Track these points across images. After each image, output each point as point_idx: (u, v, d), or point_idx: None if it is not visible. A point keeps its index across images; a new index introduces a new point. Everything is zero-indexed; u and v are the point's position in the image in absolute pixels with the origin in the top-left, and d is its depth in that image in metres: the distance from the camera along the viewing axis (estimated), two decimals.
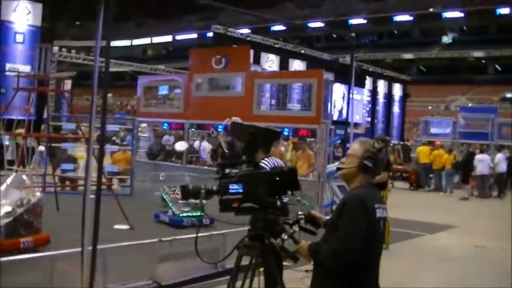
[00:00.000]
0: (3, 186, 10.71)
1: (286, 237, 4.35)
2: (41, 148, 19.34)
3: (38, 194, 10.55)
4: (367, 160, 4.29)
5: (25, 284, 7.82)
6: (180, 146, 16.86)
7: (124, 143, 24.48)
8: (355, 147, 4.42)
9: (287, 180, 4.58)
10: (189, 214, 13.03)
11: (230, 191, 4.39)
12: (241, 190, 4.39)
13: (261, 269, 4.75)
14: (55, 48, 33.90)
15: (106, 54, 7.48)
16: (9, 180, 10.84)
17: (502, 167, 26.11)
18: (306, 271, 8.71)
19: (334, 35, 57.54)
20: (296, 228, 4.47)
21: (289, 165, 5.09)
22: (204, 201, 4.46)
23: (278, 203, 4.60)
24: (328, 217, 4.70)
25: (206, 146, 21.86)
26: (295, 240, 4.39)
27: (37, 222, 10.22)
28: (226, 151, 14.31)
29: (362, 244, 4.11)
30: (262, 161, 7.29)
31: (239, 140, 4.79)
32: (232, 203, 4.42)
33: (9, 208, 9.93)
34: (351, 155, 4.41)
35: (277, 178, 4.51)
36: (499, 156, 26.65)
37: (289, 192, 4.73)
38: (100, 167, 7.64)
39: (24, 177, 11.41)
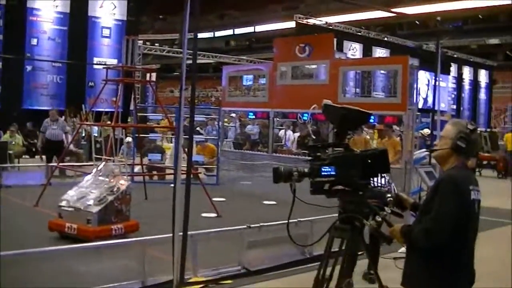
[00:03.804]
0: (93, 175, 11.04)
1: (379, 219, 4.36)
2: (129, 139, 19.78)
3: (126, 182, 10.79)
4: (460, 140, 4.24)
5: (118, 268, 8.03)
6: None
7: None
8: (447, 128, 4.37)
9: (378, 163, 4.56)
10: None
11: (323, 173, 4.37)
12: (333, 173, 4.37)
13: None
14: (140, 42, 34.55)
15: (193, 47, 7.56)
16: (98, 169, 11.20)
17: None
18: (395, 258, 8.70)
19: (417, 22, 56.50)
20: (388, 210, 4.46)
21: (380, 148, 5.06)
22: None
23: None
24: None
25: (290, 134, 21.88)
26: (388, 222, 4.38)
27: (127, 209, 10.51)
28: (314, 137, 14.27)
29: (454, 225, 4.08)
30: None
31: (331, 122, 4.77)
32: (324, 185, 4.43)
33: (100, 196, 10.23)
34: (444, 136, 4.37)
35: (369, 161, 4.50)
36: None
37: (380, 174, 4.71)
38: (189, 156, 7.77)
39: (113, 166, 11.68)
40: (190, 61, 7.36)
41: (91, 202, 10.14)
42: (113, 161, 13.41)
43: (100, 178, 10.87)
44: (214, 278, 7.93)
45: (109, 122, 21.45)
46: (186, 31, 7.06)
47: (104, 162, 11.83)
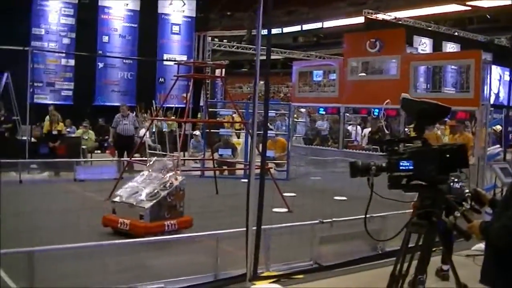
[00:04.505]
0: (147, 170, 11.09)
1: (458, 214, 4.30)
2: (197, 132, 19.99)
3: (180, 177, 10.69)
4: None
5: (190, 261, 8.13)
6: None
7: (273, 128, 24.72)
8: None
9: (456, 157, 4.50)
10: None
11: (401, 167, 4.35)
12: (411, 167, 4.35)
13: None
14: (208, 38, 34.87)
15: (267, 43, 7.58)
16: (152, 165, 11.21)
17: None
18: (467, 256, 8.61)
19: (488, 16, 55.46)
20: (467, 205, 4.40)
21: (459, 142, 4.99)
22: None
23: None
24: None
25: (359, 130, 21.84)
26: (467, 218, 4.32)
27: (180, 205, 10.47)
28: (387, 132, 14.18)
29: None
30: None
31: (409, 116, 4.73)
32: (401, 180, 4.40)
33: (153, 191, 10.25)
34: None
35: (447, 155, 4.44)
36: None
37: (458, 170, 4.65)
38: (264, 152, 7.79)
39: (168, 161, 11.62)
40: (262, 57, 7.36)
41: (143, 197, 10.20)
42: (183, 156, 13.54)
43: (154, 173, 10.88)
44: (286, 272, 7.95)
45: (173, 117, 21.74)
46: (260, 27, 7.09)
47: (155, 158, 11.86)
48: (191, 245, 8.78)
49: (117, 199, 10.52)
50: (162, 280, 7.14)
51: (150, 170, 11.06)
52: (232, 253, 7.93)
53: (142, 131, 20.11)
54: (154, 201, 10.05)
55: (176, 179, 10.56)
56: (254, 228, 7.03)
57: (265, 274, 7.63)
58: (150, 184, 10.54)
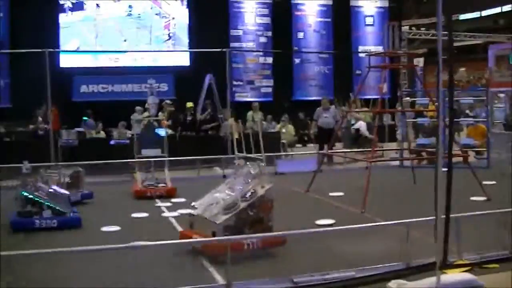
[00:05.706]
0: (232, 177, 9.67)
1: None
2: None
3: (267, 185, 8.87)
4: None
5: (381, 249, 8.29)
6: None
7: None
8: None
9: None
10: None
11: None
12: None
13: None
14: (406, 27, 34.50)
15: (448, 28, 7.48)
16: (239, 168, 9.66)
17: None
18: None
19: None
20: None
21: None
22: None
23: None
24: None
25: None
26: None
27: (268, 219, 8.74)
28: None
29: None
30: None
31: None
32: None
33: (231, 202, 8.64)
34: None
35: None
36: None
37: None
38: (450, 140, 7.70)
39: (253, 165, 9.59)
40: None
41: (218, 210, 8.57)
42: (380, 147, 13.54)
43: (239, 179, 9.22)
44: (479, 261, 7.78)
45: (366, 108, 21.90)
46: (440, 12, 7.02)
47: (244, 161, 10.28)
48: (382, 233, 8.90)
49: (195, 211, 9.04)
50: (353, 269, 7.30)
51: (235, 176, 9.50)
52: (423, 242, 7.89)
53: (360, 124, 20.56)
54: (229, 214, 8.42)
55: (262, 187, 8.80)
56: (444, 216, 6.97)
57: (457, 262, 7.54)
58: (231, 193, 8.94)
